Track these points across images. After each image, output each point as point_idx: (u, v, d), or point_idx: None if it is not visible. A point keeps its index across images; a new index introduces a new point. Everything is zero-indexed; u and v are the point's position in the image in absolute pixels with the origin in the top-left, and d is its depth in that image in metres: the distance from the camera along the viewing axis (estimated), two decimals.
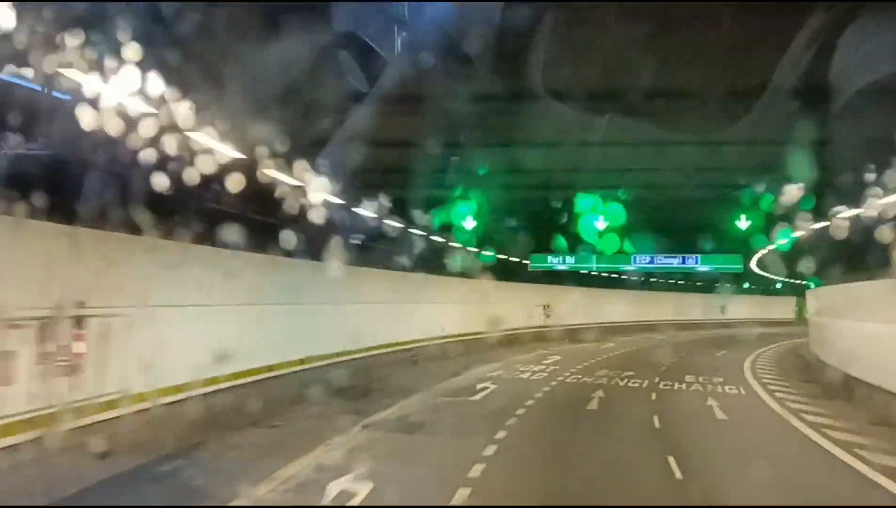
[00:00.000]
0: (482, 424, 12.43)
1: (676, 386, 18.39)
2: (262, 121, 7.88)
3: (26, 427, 7.84)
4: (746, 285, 51.56)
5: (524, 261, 26.94)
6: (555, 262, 25.71)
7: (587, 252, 24.68)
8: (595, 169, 12.81)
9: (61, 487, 7.62)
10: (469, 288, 25.58)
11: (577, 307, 39.05)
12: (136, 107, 6.33)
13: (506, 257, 26.44)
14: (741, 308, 56.88)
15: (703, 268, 24.18)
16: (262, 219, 11.74)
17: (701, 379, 19.80)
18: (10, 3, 4.82)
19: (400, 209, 15.34)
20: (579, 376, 20.21)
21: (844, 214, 12.57)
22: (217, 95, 7.21)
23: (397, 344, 20.35)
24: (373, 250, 18.06)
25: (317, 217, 11.25)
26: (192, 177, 7.80)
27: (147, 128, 6.62)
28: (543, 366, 22.52)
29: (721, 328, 49.43)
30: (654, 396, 16.63)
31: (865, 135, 8.97)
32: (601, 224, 16.10)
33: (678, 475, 9.04)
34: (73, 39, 5.47)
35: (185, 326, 10.81)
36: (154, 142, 6.89)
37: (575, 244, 23.84)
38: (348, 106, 8.53)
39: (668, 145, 10.81)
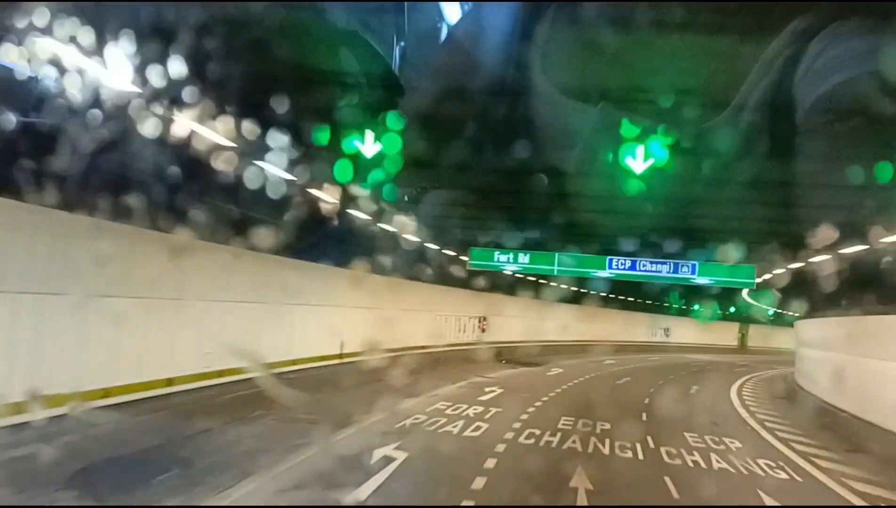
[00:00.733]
0: None
1: (686, 456, 11.85)
2: None
3: None
4: (697, 306, 47.06)
5: (462, 258, 20.04)
6: (503, 261, 18.90)
7: (549, 250, 18.06)
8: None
9: None
10: (379, 288, 18.35)
11: (514, 320, 32.69)
12: None
13: (435, 246, 19.41)
14: (686, 331, 52.45)
15: (699, 281, 17.86)
16: None
17: (710, 440, 13.44)
18: None
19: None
20: (537, 429, 13.33)
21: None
22: None
23: (253, 367, 12.80)
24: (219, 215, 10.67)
25: None
26: None
27: None
28: (481, 408, 15.58)
29: (670, 352, 44.41)
30: (669, 482, 9.94)
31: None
32: None
33: None
34: None
35: None
36: None
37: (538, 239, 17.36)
38: None
39: None
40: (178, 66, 6.59)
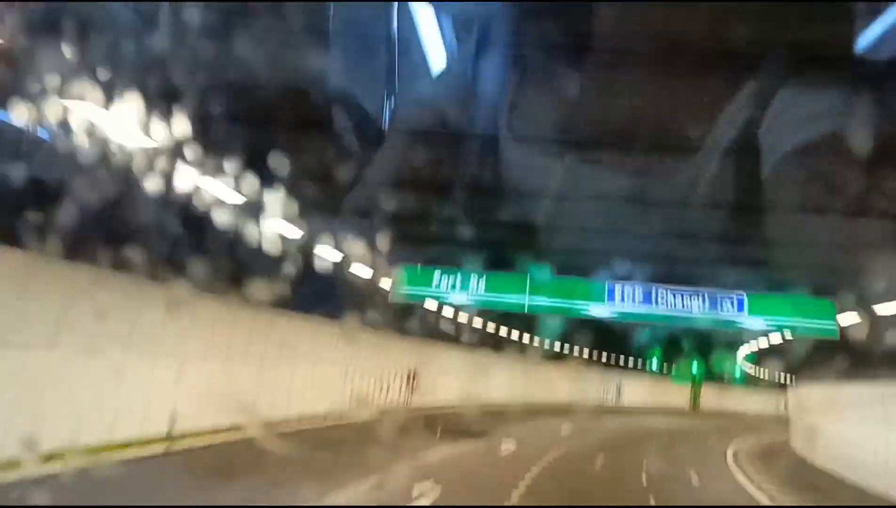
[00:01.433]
0: None
1: None
2: None
3: None
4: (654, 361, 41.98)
5: (381, 283, 13.33)
6: (446, 288, 12.33)
7: (520, 272, 11.75)
8: None
9: None
10: (259, 327, 11.32)
11: (450, 377, 26.14)
12: None
13: (339, 257, 12.74)
14: (636, 390, 47.12)
15: (749, 324, 11.65)
16: None
17: None
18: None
19: None
20: None
21: None
22: None
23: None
24: None
25: None
26: None
27: None
28: None
29: (625, 416, 38.60)
30: None
31: None
32: None
33: None
34: None
35: None
36: None
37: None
38: None
39: None
40: None
